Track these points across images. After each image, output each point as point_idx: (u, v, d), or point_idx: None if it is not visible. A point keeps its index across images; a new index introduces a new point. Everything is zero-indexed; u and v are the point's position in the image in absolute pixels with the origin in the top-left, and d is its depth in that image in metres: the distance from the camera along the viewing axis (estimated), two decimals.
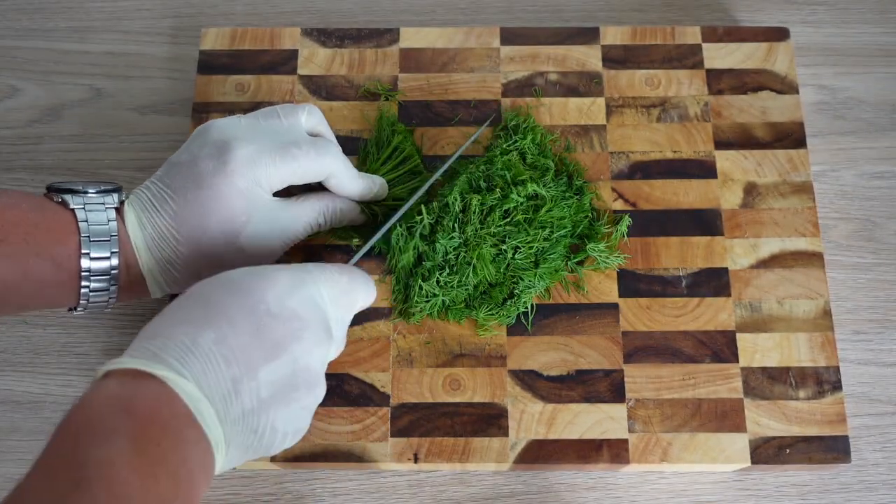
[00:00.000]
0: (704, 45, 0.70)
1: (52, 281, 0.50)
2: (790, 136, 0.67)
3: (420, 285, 0.59)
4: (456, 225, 0.60)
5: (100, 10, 0.76)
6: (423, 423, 0.58)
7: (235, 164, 0.52)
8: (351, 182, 0.57)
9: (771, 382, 0.59)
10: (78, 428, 0.39)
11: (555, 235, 0.61)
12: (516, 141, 0.65)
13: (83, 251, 0.50)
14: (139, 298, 0.56)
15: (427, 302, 0.60)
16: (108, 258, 0.51)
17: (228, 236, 0.54)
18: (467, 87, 0.68)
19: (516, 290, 0.60)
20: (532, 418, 0.58)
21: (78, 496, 0.36)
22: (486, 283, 0.60)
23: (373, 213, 0.61)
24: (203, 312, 0.45)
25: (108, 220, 0.51)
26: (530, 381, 0.59)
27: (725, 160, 0.66)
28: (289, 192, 0.58)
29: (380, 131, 0.65)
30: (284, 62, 0.69)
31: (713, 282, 0.62)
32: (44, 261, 0.50)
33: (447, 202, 0.61)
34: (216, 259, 0.54)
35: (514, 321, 0.61)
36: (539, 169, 0.63)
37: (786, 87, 0.68)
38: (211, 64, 0.69)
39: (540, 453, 0.58)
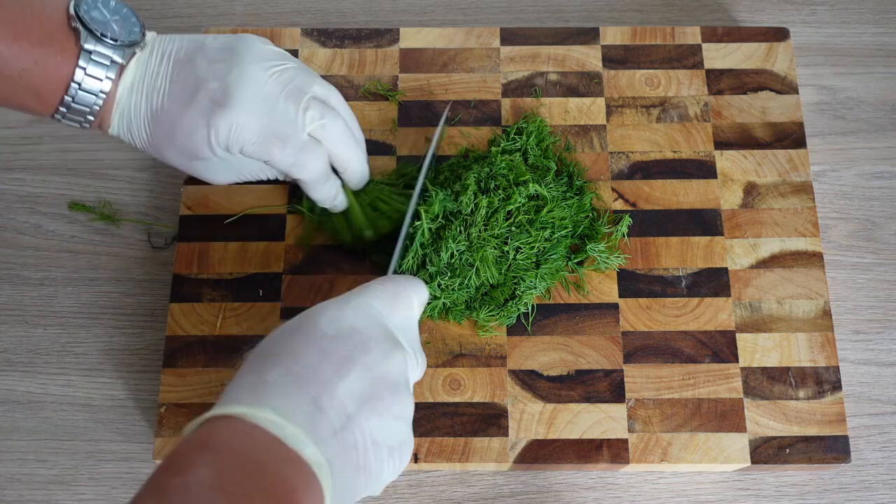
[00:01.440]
0: (704, 46, 0.70)
1: (32, 110, 0.52)
2: (790, 137, 0.67)
3: None
4: (462, 228, 0.60)
5: None
6: (423, 423, 0.58)
7: (219, 122, 0.52)
8: (314, 192, 0.58)
9: (771, 382, 0.60)
10: (162, 471, 0.40)
11: (556, 236, 0.61)
12: (517, 141, 0.65)
13: (80, 65, 0.51)
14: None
15: (428, 304, 0.60)
16: (87, 112, 0.52)
17: (184, 157, 0.55)
18: (467, 87, 0.68)
19: (518, 291, 0.60)
20: (532, 418, 0.58)
21: None
22: (487, 284, 0.60)
23: (353, 245, 0.62)
24: (268, 357, 0.45)
25: (104, 79, 0.51)
26: (530, 381, 0.59)
27: (725, 160, 0.66)
28: None
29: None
30: None
31: (713, 282, 0.62)
32: (29, 95, 0.51)
33: (460, 205, 0.60)
34: (169, 161, 0.56)
35: (514, 321, 0.61)
36: (540, 169, 0.63)
37: (785, 87, 0.68)
38: None
39: (540, 453, 0.58)
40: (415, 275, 0.59)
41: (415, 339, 0.51)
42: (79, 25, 0.50)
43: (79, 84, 0.51)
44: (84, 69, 0.51)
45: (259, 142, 0.53)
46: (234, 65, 0.53)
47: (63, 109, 0.52)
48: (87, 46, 0.50)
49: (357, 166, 0.59)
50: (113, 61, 0.51)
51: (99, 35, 0.51)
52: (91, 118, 0.53)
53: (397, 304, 0.50)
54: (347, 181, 0.60)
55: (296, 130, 0.55)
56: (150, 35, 0.54)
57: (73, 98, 0.51)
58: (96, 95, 0.52)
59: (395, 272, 0.57)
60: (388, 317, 0.49)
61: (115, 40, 0.51)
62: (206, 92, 0.52)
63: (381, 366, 0.46)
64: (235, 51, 0.54)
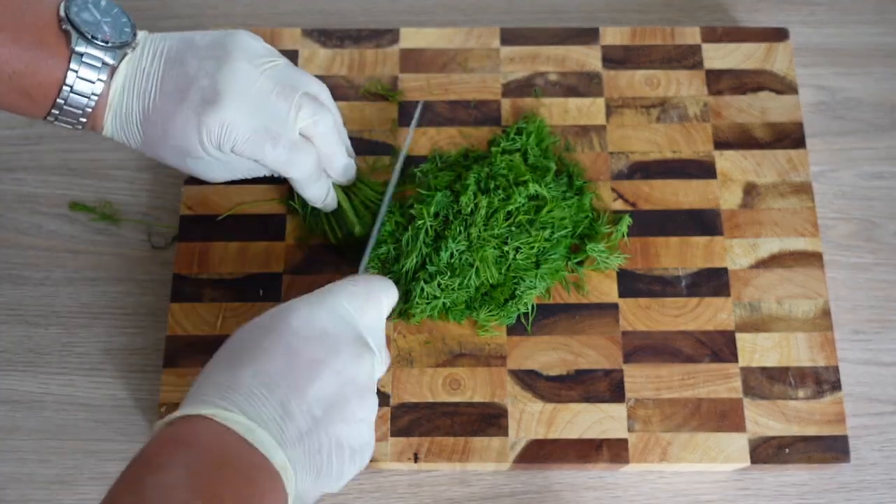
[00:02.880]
0: (704, 46, 0.70)
1: (24, 111, 0.52)
2: (789, 137, 0.67)
3: (422, 287, 0.59)
4: (462, 228, 0.60)
5: None
6: (423, 423, 0.59)
7: (209, 121, 0.52)
8: (305, 190, 0.58)
9: (770, 382, 0.60)
10: (137, 466, 0.40)
11: (556, 236, 0.61)
12: (517, 141, 0.65)
13: (71, 67, 0.50)
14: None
15: (428, 304, 0.60)
16: (80, 115, 0.52)
17: (178, 156, 0.55)
18: (467, 87, 0.68)
19: (517, 291, 0.60)
20: (532, 418, 0.59)
21: None
22: (487, 284, 0.60)
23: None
24: (238, 355, 0.46)
25: (96, 80, 0.51)
26: (530, 380, 0.60)
27: (725, 160, 0.66)
28: None
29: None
30: None
31: (713, 282, 0.62)
32: (20, 96, 0.50)
33: (459, 205, 0.60)
34: (165, 160, 0.56)
35: (514, 321, 0.61)
36: (540, 170, 0.63)
37: (785, 87, 0.68)
38: None
39: (540, 453, 0.58)
40: (415, 275, 0.60)
41: (381, 338, 0.51)
42: (69, 27, 0.50)
43: (70, 87, 0.51)
44: (76, 72, 0.50)
45: (250, 140, 0.53)
46: (224, 62, 0.53)
47: (55, 112, 0.52)
48: (78, 49, 0.50)
49: (341, 162, 0.59)
50: (104, 63, 0.51)
51: (90, 37, 0.50)
52: (83, 119, 0.53)
53: (368, 306, 0.50)
54: (333, 176, 0.60)
55: (287, 128, 0.54)
56: (141, 34, 0.54)
57: (64, 100, 0.51)
58: (88, 98, 0.52)
59: (364, 269, 0.58)
60: (358, 318, 0.49)
61: (106, 42, 0.51)
62: (197, 90, 0.52)
63: (350, 369, 0.47)
64: (226, 47, 0.53)
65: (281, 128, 0.54)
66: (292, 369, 0.45)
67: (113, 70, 0.52)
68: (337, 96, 0.68)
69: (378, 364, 0.50)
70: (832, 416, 0.59)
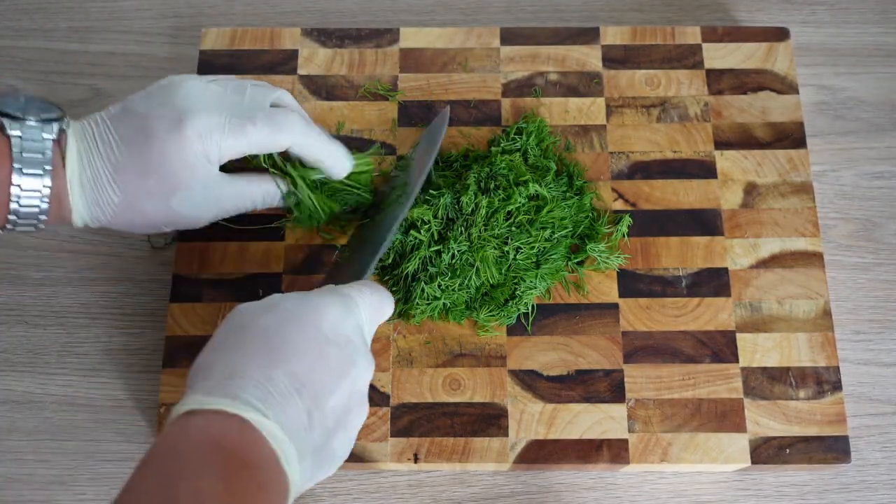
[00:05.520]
0: (704, 46, 0.70)
1: None
2: (790, 137, 0.67)
3: (422, 288, 0.59)
4: (463, 228, 0.60)
5: (100, 10, 0.76)
6: (423, 423, 0.58)
7: (188, 133, 0.51)
8: (317, 150, 0.56)
9: (771, 382, 0.60)
10: (167, 462, 0.39)
11: (556, 236, 0.61)
12: (517, 141, 0.65)
13: (14, 182, 0.49)
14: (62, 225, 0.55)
15: (428, 304, 0.60)
16: (38, 193, 0.50)
17: (163, 196, 0.53)
18: (467, 87, 0.68)
19: (518, 291, 0.60)
20: (532, 418, 0.58)
21: None
22: (488, 284, 0.60)
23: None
24: (269, 347, 0.45)
25: (44, 151, 0.50)
26: (530, 381, 0.59)
27: (725, 160, 0.66)
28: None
29: None
30: (284, 62, 0.69)
31: (713, 282, 0.62)
32: None
33: (460, 204, 0.60)
34: (146, 213, 0.53)
35: (514, 321, 0.61)
36: (540, 169, 0.63)
37: (786, 87, 0.68)
38: (211, 64, 0.69)
39: (540, 453, 0.58)
40: (415, 276, 0.60)
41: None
42: None
43: (20, 168, 0.49)
44: (19, 185, 0.49)
45: (231, 131, 0.52)
46: (171, 89, 0.53)
47: (14, 202, 0.50)
48: (14, 133, 0.49)
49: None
50: (44, 138, 0.50)
51: (21, 117, 0.50)
52: (45, 205, 0.50)
53: (376, 316, 0.51)
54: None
55: (257, 106, 0.54)
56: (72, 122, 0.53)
57: (20, 186, 0.49)
58: (39, 205, 0.50)
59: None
60: (366, 327, 0.50)
61: (37, 118, 0.50)
62: (159, 118, 0.51)
63: (360, 380, 0.47)
64: (166, 82, 0.54)
65: (251, 108, 0.54)
66: (318, 376, 0.44)
67: (59, 149, 0.51)
68: (337, 96, 0.68)
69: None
70: (833, 417, 0.59)
